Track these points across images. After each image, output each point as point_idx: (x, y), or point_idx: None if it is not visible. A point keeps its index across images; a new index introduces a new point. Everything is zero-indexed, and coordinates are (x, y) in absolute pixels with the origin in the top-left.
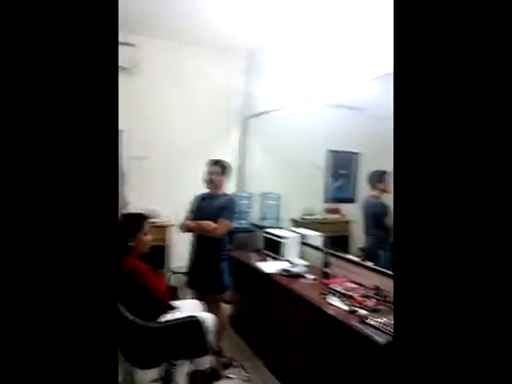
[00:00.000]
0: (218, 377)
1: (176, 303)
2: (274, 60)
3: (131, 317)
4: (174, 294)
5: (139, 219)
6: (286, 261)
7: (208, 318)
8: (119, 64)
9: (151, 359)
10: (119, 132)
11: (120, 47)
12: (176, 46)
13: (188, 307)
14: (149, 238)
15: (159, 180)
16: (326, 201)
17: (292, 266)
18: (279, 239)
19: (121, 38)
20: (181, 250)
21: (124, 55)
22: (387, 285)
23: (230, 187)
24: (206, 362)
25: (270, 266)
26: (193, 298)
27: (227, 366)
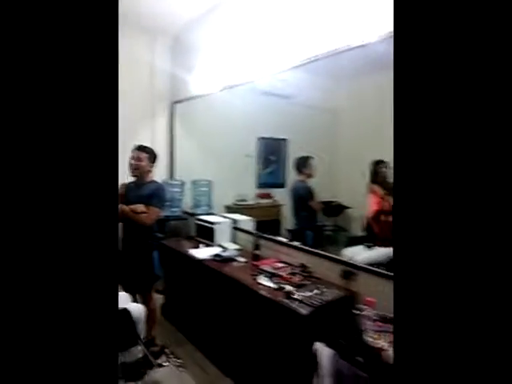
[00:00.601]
0: (151, 365)
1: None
2: (202, 43)
3: None
4: None
5: None
6: (218, 246)
7: (137, 309)
8: None
9: None
10: None
11: None
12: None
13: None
14: None
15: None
16: (258, 186)
17: (223, 251)
18: (211, 225)
19: None
20: None
21: None
22: (312, 262)
23: (160, 174)
24: (137, 352)
25: (202, 252)
26: (121, 290)
27: (159, 354)
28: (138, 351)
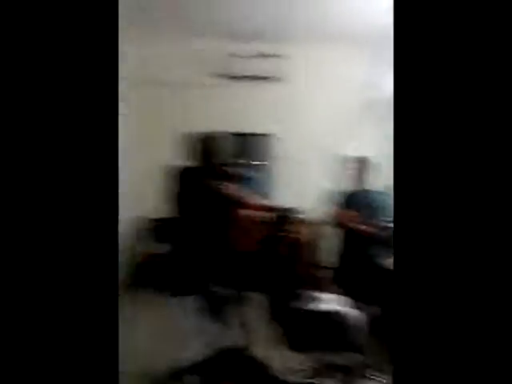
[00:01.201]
0: (359, 376)
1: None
2: None
3: None
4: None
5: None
6: None
7: (354, 315)
8: (276, 74)
9: None
10: (272, 136)
11: (276, 57)
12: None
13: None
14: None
15: (308, 181)
16: None
17: None
18: None
19: (267, 49)
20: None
21: (269, 65)
22: None
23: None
24: (355, 358)
25: None
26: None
27: (367, 366)
28: (347, 357)
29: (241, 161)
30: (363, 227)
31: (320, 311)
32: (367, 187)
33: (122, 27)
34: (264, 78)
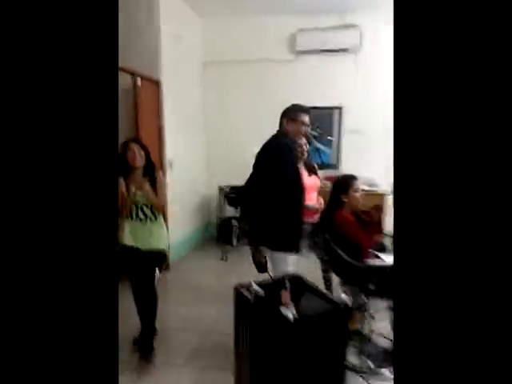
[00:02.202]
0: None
1: (380, 254)
2: None
3: (344, 255)
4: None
5: (350, 178)
6: None
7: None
8: (343, 46)
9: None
10: (339, 109)
11: (343, 29)
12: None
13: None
14: (358, 194)
15: (375, 153)
16: None
17: None
18: None
19: (343, 21)
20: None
21: (347, 37)
22: None
23: None
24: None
25: None
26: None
27: None
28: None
29: (313, 133)
30: None
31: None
32: None
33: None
34: (334, 51)
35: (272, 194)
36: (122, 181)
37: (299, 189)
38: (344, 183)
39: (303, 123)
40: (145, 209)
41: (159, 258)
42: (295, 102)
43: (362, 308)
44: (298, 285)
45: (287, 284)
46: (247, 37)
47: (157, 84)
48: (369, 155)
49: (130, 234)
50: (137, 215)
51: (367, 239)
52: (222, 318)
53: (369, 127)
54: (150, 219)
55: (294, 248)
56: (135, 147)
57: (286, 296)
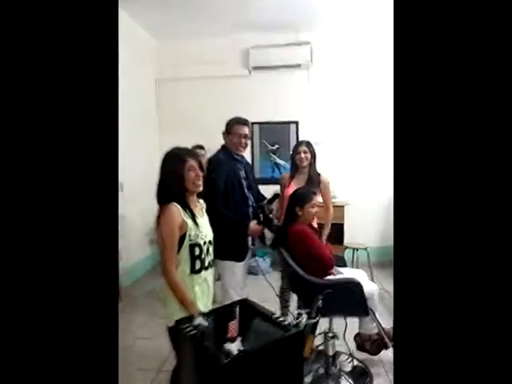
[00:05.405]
0: (387, 346)
1: (340, 269)
2: None
3: (300, 272)
4: (337, 261)
5: (308, 193)
6: None
7: (370, 287)
8: (295, 62)
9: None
10: (296, 123)
11: (296, 46)
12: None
13: (352, 274)
14: (314, 210)
15: (335, 164)
16: None
17: None
18: None
19: (294, 39)
20: (356, 228)
21: (299, 53)
22: None
23: None
24: (372, 328)
25: None
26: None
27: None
28: (373, 327)
29: (272, 147)
30: None
31: (338, 280)
32: None
33: (149, 25)
34: (287, 67)
35: (210, 206)
36: None
37: (240, 199)
38: (301, 197)
39: (240, 135)
40: None
41: None
42: (240, 116)
43: (314, 327)
44: (247, 310)
45: (237, 313)
46: (201, 53)
47: None
48: (326, 166)
49: None
50: None
51: (326, 249)
52: None
53: (324, 139)
54: None
55: (238, 257)
56: None
57: (233, 328)
